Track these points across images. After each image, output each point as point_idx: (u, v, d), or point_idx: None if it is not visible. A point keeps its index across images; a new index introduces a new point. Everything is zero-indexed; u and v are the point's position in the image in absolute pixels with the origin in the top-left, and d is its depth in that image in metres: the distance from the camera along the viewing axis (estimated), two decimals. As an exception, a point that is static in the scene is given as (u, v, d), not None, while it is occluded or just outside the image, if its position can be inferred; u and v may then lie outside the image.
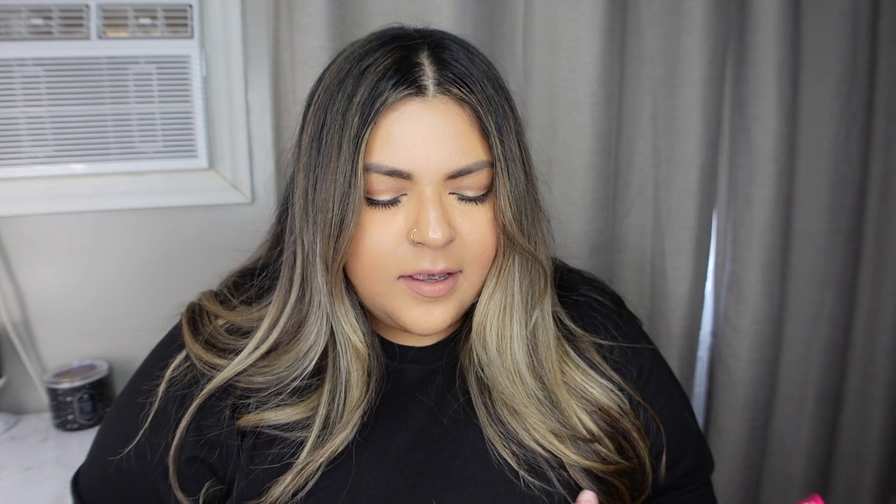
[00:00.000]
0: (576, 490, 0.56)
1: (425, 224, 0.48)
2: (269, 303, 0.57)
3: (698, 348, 1.19)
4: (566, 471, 0.56)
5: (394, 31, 0.54)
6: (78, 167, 1.03)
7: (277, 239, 0.61)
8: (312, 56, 0.90)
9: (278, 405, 0.54)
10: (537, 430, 0.55)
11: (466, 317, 0.60)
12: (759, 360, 1.15)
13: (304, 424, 0.54)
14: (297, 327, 0.54)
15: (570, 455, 0.55)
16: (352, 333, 0.54)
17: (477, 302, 0.57)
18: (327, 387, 0.54)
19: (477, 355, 0.57)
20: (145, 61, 1.02)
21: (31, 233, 1.02)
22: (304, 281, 0.53)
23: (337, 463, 0.54)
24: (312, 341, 0.54)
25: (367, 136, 0.48)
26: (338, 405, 0.54)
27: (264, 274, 0.61)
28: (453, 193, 0.51)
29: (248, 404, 0.54)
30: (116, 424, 0.59)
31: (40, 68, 0.98)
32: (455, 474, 0.55)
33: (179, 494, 0.53)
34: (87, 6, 0.98)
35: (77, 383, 0.98)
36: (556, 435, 0.55)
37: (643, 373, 0.63)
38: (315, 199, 0.50)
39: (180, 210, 1.07)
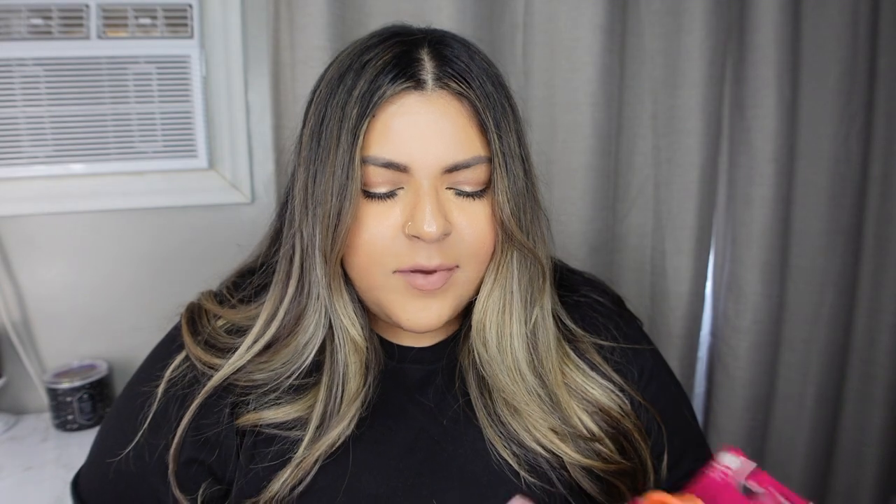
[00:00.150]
0: (577, 490, 0.56)
1: (420, 217, 0.49)
2: (265, 301, 0.57)
3: (698, 348, 1.19)
4: (567, 471, 0.56)
5: (396, 28, 0.54)
6: (78, 167, 1.03)
7: (277, 236, 0.61)
8: (312, 56, 0.90)
9: (277, 403, 0.54)
10: (538, 430, 0.55)
11: (465, 316, 0.60)
12: (759, 361, 1.15)
13: (303, 422, 0.54)
14: (295, 321, 0.54)
15: (570, 454, 0.55)
16: (350, 326, 0.55)
17: (475, 300, 0.57)
18: (325, 380, 0.55)
19: (477, 353, 0.56)
20: (145, 61, 1.02)
21: (31, 233, 1.02)
22: (302, 274, 0.54)
23: (336, 461, 0.54)
24: (311, 334, 0.54)
25: (364, 128, 0.48)
26: (335, 398, 0.54)
27: (262, 270, 0.61)
28: (450, 188, 0.51)
29: (247, 402, 0.54)
30: (116, 426, 0.59)
31: (40, 68, 0.98)
32: (455, 475, 0.55)
33: (178, 494, 0.53)
34: (87, 6, 0.98)
35: (77, 383, 0.98)
36: (556, 433, 0.55)
37: (644, 373, 0.63)
38: (314, 192, 0.51)
39: (180, 210, 1.07)
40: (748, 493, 0.46)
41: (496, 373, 0.56)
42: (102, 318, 1.07)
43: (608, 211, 1.09)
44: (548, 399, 0.56)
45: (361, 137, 0.48)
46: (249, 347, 0.55)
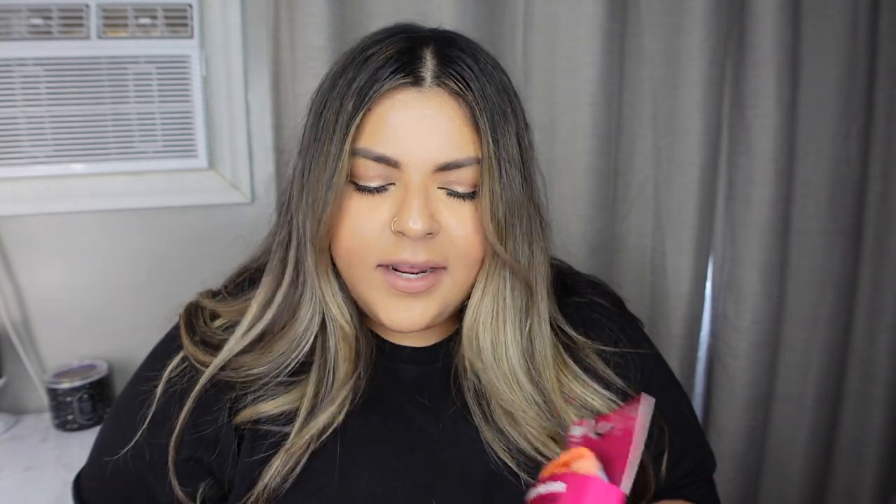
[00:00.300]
0: None
1: (406, 213, 0.48)
2: (260, 288, 0.57)
3: (698, 348, 1.19)
4: None
5: (404, 26, 0.54)
6: (78, 167, 1.03)
7: (278, 229, 0.61)
8: (312, 56, 0.90)
9: (272, 395, 0.54)
10: (537, 438, 0.55)
11: (462, 317, 0.60)
12: (759, 360, 1.15)
13: (297, 414, 0.54)
14: (292, 310, 0.55)
15: None
16: (338, 315, 0.55)
17: (466, 305, 0.56)
18: (316, 367, 0.55)
19: (471, 362, 0.56)
20: (145, 61, 1.02)
21: (31, 233, 1.02)
22: (298, 262, 0.54)
23: (334, 459, 0.54)
24: (307, 323, 0.54)
25: (358, 120, 0.49)
26: (326, 383, 0.54)
27: (260, 262, 0.61)
28: (442, 188, 0.51)
29: (245, 398, 0.54)
30: (115, 425, 0.59)
31: (40, 68, 0.98)
32: (455, 475, 0.55)
33: (179, 493, 0.53)
34: (87, 6, 0.98)
35: (77, 383, 0.98)
36: (556, 441, 0.55)
37: (644, 374, 0.63)
38: (308, 180, 0.51)
39: (180, 210, 1.07)
40: (600, 436, 0.49)
41: (492, 380, 0.55)
42: (102, 318, 1.07)
43: (608, 211, 1.09)
44: (546, 407, 0.56)
45: (354, 129, 0.49)
46: (245, 334, 0.55)
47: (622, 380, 0.60)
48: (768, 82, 1.05)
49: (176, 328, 0.59)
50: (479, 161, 0.51)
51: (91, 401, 0.99)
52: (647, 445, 0.59)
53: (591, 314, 0.64)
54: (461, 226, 0.51)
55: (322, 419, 0.53)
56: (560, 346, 0.59)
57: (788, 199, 1.12)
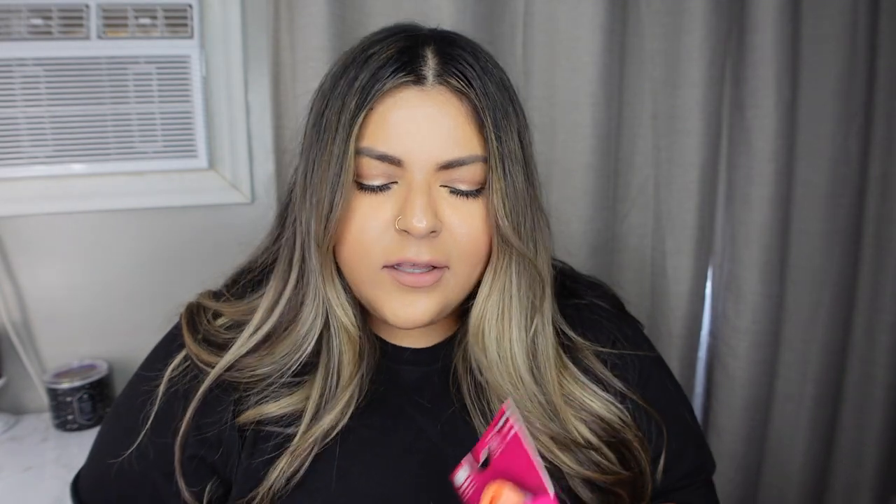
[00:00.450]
0: (576, 494, 0.56)
1: (410, 211, 0.49)
2: (266, 290, 0.57)
3: (698, 348, 1.19)
4: (566, 480, 0.55)
5: (404, 25, 0.55)
6: (78, 167, 1.03)
7: (280, 230, 0.61)
8: (312, 56, 0.90)
9: (276, 397, 0.54)
10: (537, 438, 0.55)
11: (462, 318, 0.60)
12: (758, 360, 1.15)
13: (301, 415, 0.54)
14: (296, 311, 0.55)
15: (570, 465, 0.55)
16: (343, 316, 0.55)
17: (473, 304, 0.56)
18: (321, 369, 0.55)
19: (476, 359, 0.56)
20: (145, 61, 1.02)
21: (31, 233, 1.02)
22: (303, 262, 0.54)
23: (335, 459, 0.54)
24: (310, 324, 0.54)
25: (361, 119, 0.49)
26: (331, 386, 0.54)
27: (261, 265, 0.61)
28: (445, 186, 0.51)
29: (249, 399, 0.55)
30: (116, 425, 0.59)
31: (40, 68, 0.98)
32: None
33: (185, 492, 0.53)
34: (87, 6, 0.98)
35: (77, 383, 0.98)
36: (555, 441, 0.55)
37: (643, 374, 0.63)
38: (312, 181, 0.51)
39: (180, 210, 1.07)
40: (486, 464, 0.45)
41: (497, 378, 0.55)
42: (102, 318, 1.07)
43: (608, 211, 1.09)
44: (547, 406, 0.56)
45: (357, 128, 0.49)
46: (251, 335, 0.55)
47: (621, 381, 0.60)
48: (768, 82, 1.05)
49: (176, 328, 0.59)
50: (482, 159, 0.51)
51: (91, 401, 0.99)
52: (645, 446, 0.59)
53: (591, 315, 0.64)
54: (465, 223, 0.51)
55: (327, 421, 0.53)
56: (560, 348, 0.59)
57: (788, 199, 1.12)
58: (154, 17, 1.01)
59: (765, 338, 1.14)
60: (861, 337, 1.25)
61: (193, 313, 0.59)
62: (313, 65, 0.90)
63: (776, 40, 1.04)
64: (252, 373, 0.54)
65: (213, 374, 0.54)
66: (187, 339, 0.56)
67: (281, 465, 0.52)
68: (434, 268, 0.52)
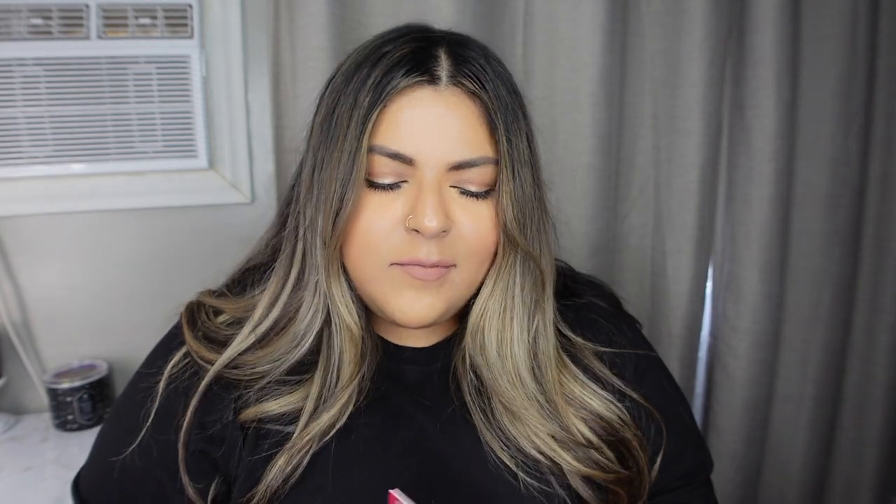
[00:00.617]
0: (576, 493, 0.56)
1: (421, 211, 0.49)
2: (266, 286, 0.57)
3: (699, 348, 1.19)
4: (566, 478, 0.56)
5: (417, 25, 0.55)
6: (77, 167, 1.03)
7: (281, 226, 0.60)
8: (312, 56, 0.90)
9: (276, 394, 0.54)
10: (538, 436, 0.55)
11: (462, 318, 0.60)
12: (758, 360, 1.15)
13: (300, 413, 0.54)
14: (295, 307, 0.55)
15: (570, 462, 0.55)
16: (346, 315, 0.54)
17: (474, 302, 0.57)
18: (321, 366, 0.55)
19: (472, 357, 0.56)
20: (145, 61, 1.02)
21: (31, 233, 1.02)
22: (304, 258, 0.54)
23: (335, 458, 0.54)
24: (309, 321, 0.54)
25: (374, 117, 0.49)
26: (330, 384, 0.54)
27: (262, 260, 0.61)
28: (455, 187, 0.52)
29: (249, 394, 0.54)
30: (117, 424, 0.59)
31: (40, 68, 0.98)
32: (454, 476, 0.55)
33: (189, 488, 0.53)
34: (87, 6, 0.98)
35: (77, 383, 0.98)
36: (556, 440, 0.55)
37: (639, 372, 0.64)
38: (320, 177, 0.51)
39: (180, 210, 1.07)
40: None
41: (496, 377, 0.55)
42: (102, 318, 1.07)
43: (609, 211, 1.09)
44: (547, 406, 0.56)
45: (370, 126, 0.49)
46: (251, 331, 0.55)
47: (619, 379, 0.60)
48: (768, 82, 1.05)
49: (176, 326, 0.60)
50: (492, 161, 0.51)
51: (91, 401, 0.99)
52: (644, 446, 0.59)
53: (589, 314, 0.65)
54: (474, 224, 0.52)
55: (325, 419, 0.53)
56: (559, 347, 0.59)
57: (788, 199, 1.12)
58: (154, 17, 1.01)
59: (765, 338, 1.15)
60: (861, 337, 1.25)
61: (193, 311, 0.60)
62: (313, 65, 0.90)
63: (776, 40, 1.04)
64: (252, 370, 0.54)
65: (214, 369, 0.54)
66: (187, 336, 0.56)
67: (279, 462, 0.52)
68: (442, 266, 0.52)
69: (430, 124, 0.49)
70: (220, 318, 0.59)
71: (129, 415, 0.56)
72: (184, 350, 0.57)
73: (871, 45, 1.11)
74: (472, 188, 0.52)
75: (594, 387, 0.59)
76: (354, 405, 0.54)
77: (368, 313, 0.58)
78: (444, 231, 0.50)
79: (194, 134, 1.06)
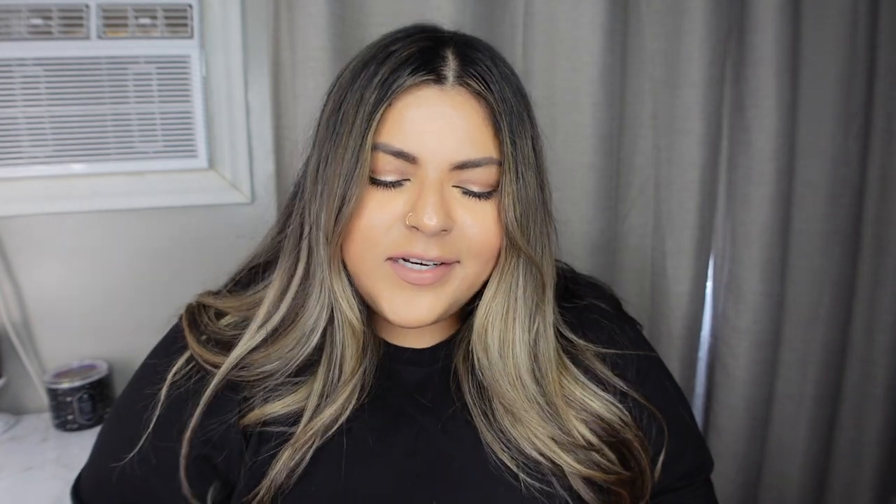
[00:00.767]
0: (577, 494, 0.56)
1: (422, 208, 0.49)
2: (271, 282, 0.57)
3: (699, 348, 1.19)
4: (568, 479, 0.56)
5: (425, 25, 0.55)
6: (77, 167, 1.03)
7: (284, 224, 0.60)
8: (312, 56, 0.90)
9: (279, 395, 0.54)
10: (538, 438, 0.55)
11: (464, 319, 0.60)
12: (758, 360, 1.15)
13: (303, 413, 0.54)
14: (302, 303, 0.55)
15: (571, 464, 0.55)
16: (348, 309, 0.54)
17: (477, 304, 0.57)
18: (324, 362, 0.55)
19: (477, 359, 0.56)
20: (145, 61, 1.02)
21: (31, 233, 1.02)
22: (309, 255, 0.54)
23: (336, 459, 0.54)
24: (316, 317, 0.54)
25: (380, 114, 0.49)
26: (333, 379, 0.54)
27: (266, 257, 0.61)
28: (458, 187, 0.52)
29: (254, 397, 0.54)
30: (117, 429, 0.58)
31: (40, 68, 0.98)
32: (455, 477, 0.55)
33: (188, 493, 0.53)
34: (87, 6, 0.98)
35: (77, 383, 0.98)
36: (556, 442, 0.55)
37: (641, 373, 0.64)
38: (325, 173, 0.52)
39: (180, 210, 1.07)
40: None
41: (496, 379, 0.56)
42: (102, 318, 1.07)
43: (610, 211, 1.09)
44: (547, 407, 0.56)
45: (375, 123, 0.49)
46: (259, 328, 0.55)
47: (621, 381, 0.60)
48: (768, 82, 1.05)
49: (175, 330, 0.59)
50: (496, 161, 0.51)
51: (91, 401, 0.99)
52: (645, 446, 0.59)
53: (590, 315, 0.65)
54: (476, 224, 0.52)
55: (328, 414, 0.53)
56: (560, 350, 0.59)
57: (788, 198, 1.13)
58: (154, 17, 1.01)
59: (765, 337, 1.15)
60: (861, 337, 1.25)
61: (194, 314, 0.59)
62: (313, 64, 0.90)
63: (776, 40, 1.04)
64: (259, 370, 0.54)
65: (223, 371, 0.54)
66: (190, 341, 0.56)
67: (283, 457, 0.52)
68: (442, 263, 0.52)
69: (435, 123, 0.49)
70: (224, 321, 0.59)
71: (130, 421, 0.55)
72: (186, 355, 0.56)
73: (871, 45, 1.11)
74: (475, 188, 0.52)
75: (595, 388, 0.59)
76: (357, 401, 0.54)
77: (369, 310, 0.58)
78: (444, 230, 0.50)
79: (194, 134, 1.06)
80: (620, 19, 1.03)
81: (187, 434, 0.53)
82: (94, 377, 1.00)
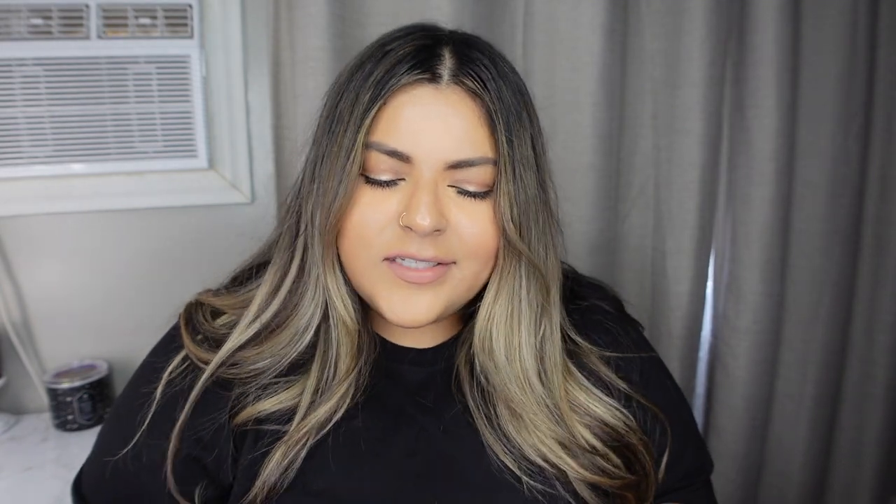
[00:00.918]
0: (580, 496, 0.56)
1: (415, 208, 0.49)
2: (264, 279, 0.57)
3: (699, 349, 1.19)
4: (571, 483, 0.55)
5: (424, 24, 0.55)
6: (77, 167, 1.03)
7: (284, 218, 0.60)
8: (312, 56, 0.90)
9: (273, 392, 0.54)
10: (543, 442, 0.54)
11: (467, 319, 0.60)
12: (758, 360, 1.15)
13: (296, 411, 0.54)
14: (296, 301, 0.55)
15: (576, 468, 0.55)
16: (342, 308, 0.54)
17: (478, 306, 0.56)
18: (318, 359, 0.55)
19: (481, 363, 0.56)
20: (145, 61, 1.02)
21: (31, 233, 1.02)
22: (304, 252, 0.54)
23: (336, 460, 0.54)
24: (310, 315, 0.54)
25: (374, 113, 0.49)
26: (328, 376, 0.54)
27: (262, 257, 0.61)
28: (453, 186, 0.51)
29: (247, 395, 0.54)
30: (114, 426, 0.59)
31: (40, 68, 0.98)
32: (456, 478, 0.55)
33: (175, 492, 0.53)
34: (87, 6, 0.98)
35: (77, 383, 0.98)
36: (562, 445, 0.55)
37: (644, 375, 0.63)
38: (320, 171, 0.52)
39: (180, 210, 1.07)
40: None
41: (504, 382, 0.55)
42: (102, 318, 1.07)
43: (610, 211, 1.09)
44: (555, 410, 0.56)
45: (369, 122, 0.49)
46: (249, 324, 0.55)
47: (625, 383, 0.60)
48: (768, 82, 1.05)
49: (175, 328, 0.59)
50: (491, 161, 0.51)
51: (91, 401, 0.99)
52: (650, 450, 0.59)
53: (593, 317, 0.64)
54: (472, 224, 0.51)
55: (322, 411, 0.53)
56: (565, 353, 0.59)
57: (788, 198, 1.12)
58: (154, 17, 1.01)
59: (765, 337, 1.15)
60: (861, 337, 1.25)
61: (192, 313, 0.59)
62: (313, 64, 0.90)
63: (776, 40, 1.04)
64: (251, 367, 0.54)
65: (211, 367, 0.54)
66: (186, 339, 0.56)
67: (276, 456, 0.52)
68: (439, 264, 0.52)
69: (430, 122, 0.49)
70: (221, 320, 0.59)
71: (126, 418, 0.56)
72: (182, 353, 0.56)
73: (871, 45, 1.11)
74: (471, 188, 0.51)
75: (599, 393, 0.59)
76: (352, 400, 0.54)
77: (366, 309, 0.58)
78: (437, 230, 0.50)
79: (194, 134, 1.06)
80: (620, 19, 1.03)
81: (176, 429, 0.53)
82: (94, 377, 1.00)
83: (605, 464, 0.56)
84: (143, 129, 1.04)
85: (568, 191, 1.05)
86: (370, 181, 0.51)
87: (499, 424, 0.56)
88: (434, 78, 0.50)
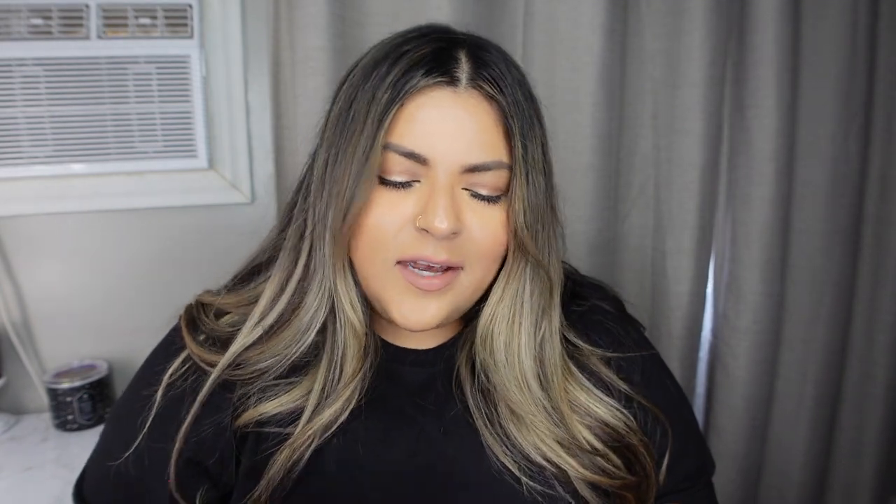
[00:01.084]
0: (581, 497, 0.56)
1: (433, 211, 0.49)
2: (269, 279, 0.57)
3: (699, 349, 1.19)
4: (572, 483, 0.55)
5: (438, 26, 0.55)
6: (77, 167, 1.03)
7: (286, 222, 0.60)
8: (312, 56, 0.90)
9: (275, 394, 0.54)
10: (544, 442, 0.55)
11: (467, 320, 0.60)
12: (758, 360, 1.15)
13: (301, 413, 0.54)
14: (300, 299, 0.54)
15: (577, 468, 0.55)
16: (350, 311, 0.54)
17: (483, 307, 0.56)
18: (324, 361, 0.55)
19: (482, 361, 0.56)
20: (145, 61, 1.02)
21: (31, 233, 1.02)
22: (311, 252, 0.54)
23: (337, 461, 0.54)
24: (313, 314, 0.54)
25: (392, 115, 0.49)
26: (333, 378, 0.54)
27: (268, 254, 0.61)
28: (466, 189, 0.52)
29: (249, 396, 0.54)
30: (115, 429, 0.59)
31: (40, 68, 0.98)
32: (456, 479, 0.55)
33: (176, 494, 0.53)
34: (87, 6, 0.98)
35: (77, 383, 0.98)
36: (562, 445, 0.55)
37: (645, 375, 0.63)
38: (333, 172, 0.51)
39: (180, 210, 1.07)
40: None
41: (503, 382, 0.55)
42: (102, 318, 1.07)
43: (609, 211, 1.09)
44: (554, 412, 0.56)
45: (387, 123, 0.49)
46: (256, 324, 0.55)
47: (626, 384, 0.60)
48: (768, 82, 1.05)
49: (174, 330, 0.59)
50: (506, 166, 0.51)
51: (91, 401, 0.99)
52: (650, 450, 0.59)
53: (594, 317, 0.64)
54: (484, 228, 0.52)
55: (328, 414, 0.53)
56: (565, 354, 0.59)
57: (788, 198, 1.12)
58: (154, 17, 1.01)
59: (765, 337, 1.15)
60: (861, 337, 1.25)
61: (193, 314, 0.59)
62: (313, 64, 0.90)
63: (776, 40, 1.04)
64: (254, 367, 0.54)
65: (219, 368, 0.53)
66: (188, 340, 0.56)
67: (280, 457, 0.52)
68: (448, 269, 0.52)
69: (447, 125, 0.49)
70: (225, 319, 0.59)
71: (127, 420, 0.55)
72: (184, 355, 0.56)
73: (871, 45, 1.11)
74: (484, 192, 0.52)
75: (599, 394, 0.59)
76: (357, 401, 0.54)
77: (370, 311, 0.58)
78: (454, 233, 0.50)
79: (194, 134, 1.06)
80: (620, 19, 1.03)
81: (182, 431, 0.53)
82: (94, 377, 1.00)
83: (605, 464, 0.56)
84: (143, 129, 1.04)
85: (568, 191, 1.05)
86: (385, 182, 0.51)
87: (499, 424, 0.56)
88: (452, 81, 0.50)
